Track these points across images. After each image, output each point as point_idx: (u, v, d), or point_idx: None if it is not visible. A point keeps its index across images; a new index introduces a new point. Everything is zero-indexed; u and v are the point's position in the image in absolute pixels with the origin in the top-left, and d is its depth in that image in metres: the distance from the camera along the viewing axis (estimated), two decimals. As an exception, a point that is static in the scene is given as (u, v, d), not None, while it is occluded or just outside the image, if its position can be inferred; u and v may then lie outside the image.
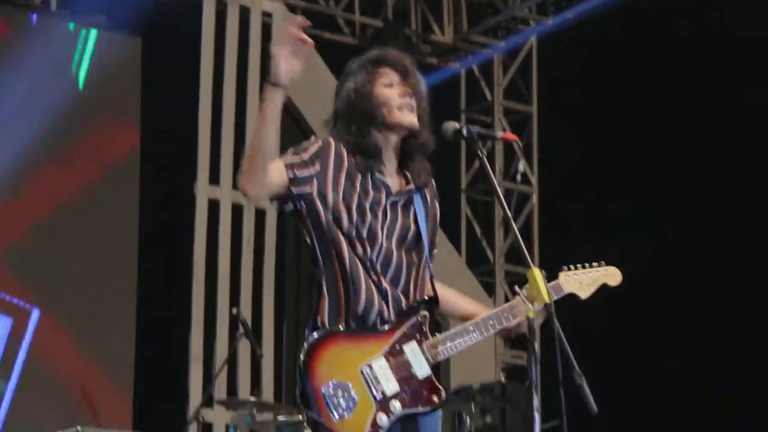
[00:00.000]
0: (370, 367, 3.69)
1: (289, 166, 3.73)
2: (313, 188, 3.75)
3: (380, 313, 3.75)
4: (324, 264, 3.80)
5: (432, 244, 3.92)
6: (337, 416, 3.60)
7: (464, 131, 3.77)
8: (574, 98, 9.84)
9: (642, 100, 9.52)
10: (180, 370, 8.73)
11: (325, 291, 3.77)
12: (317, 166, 3.76)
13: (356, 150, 3.83)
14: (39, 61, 8.49)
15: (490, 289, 10.33)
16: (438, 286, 3.91)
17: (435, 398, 3.74)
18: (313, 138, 3.87)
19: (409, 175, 3.90)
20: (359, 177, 3.81)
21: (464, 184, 10.51)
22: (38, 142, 8.36)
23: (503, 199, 3.62)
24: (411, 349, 3.74)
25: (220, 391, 8.50)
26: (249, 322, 8.25)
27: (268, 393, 8.87)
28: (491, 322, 3.80)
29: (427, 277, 3.89)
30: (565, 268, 4.03)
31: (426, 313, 3.79)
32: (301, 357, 3.65)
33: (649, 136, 9.48)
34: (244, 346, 8.43)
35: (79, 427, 5.67)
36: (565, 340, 3.42)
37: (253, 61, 9.34)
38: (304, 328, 9.67)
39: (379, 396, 3.67)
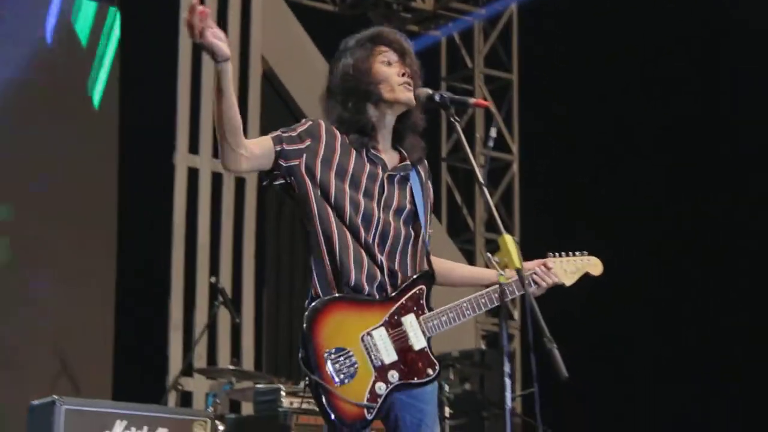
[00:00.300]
0: (371, 335, 3.74)
1: (277, 140, 3.78)
2: (301, 163, 3.77)
3: (376, 284, 3.78)
4: (316, 239, 3.80)
5: (428, 222, 3.94)
6: (338, 381, 3.66)
7: (437, 97, 3.79)
8: (555, 65, 9.81)
9: (624, 67, 9.47)
10: (160, 339, 8.71)
11: (318, 265, 3.80)
12: (308, 142, 3.79)
13: (351, 127, 3.84)
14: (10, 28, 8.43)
15: (470, 257, 10.34)
16: (435, 260, 3.95)
17: (430, 371, 3.78)
18: (303, 120, 3.89)
19: (403, 151, 3.93)
20: (353, 153, 3.82)
21: (444, 152, 10.48)
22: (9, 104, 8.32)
23: (477, 168, 3.60)
24: (409, 321, 3.78)
25: (199, 360, 8.50)
26: (228, 291, 8.25)
27: (248, 362, 8.88)
28: (483, 300, 3.83)
29: (424, 252, 3.91)
30: (550, 254, 4.07)
31: (423, 286, 3.83)
32: (304, 323, 3.70)
33: (631, 104, 9.44)
34: (223, 315, 8.41)
35: (56, 396, 5.63)
36: (536, 306, 3.42)
37: (233, 29, 9.28)
38: (284, 297, 9.71)
39: (378, 364, 3.73)
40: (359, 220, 3.78)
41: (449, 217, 10.54)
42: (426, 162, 4.02)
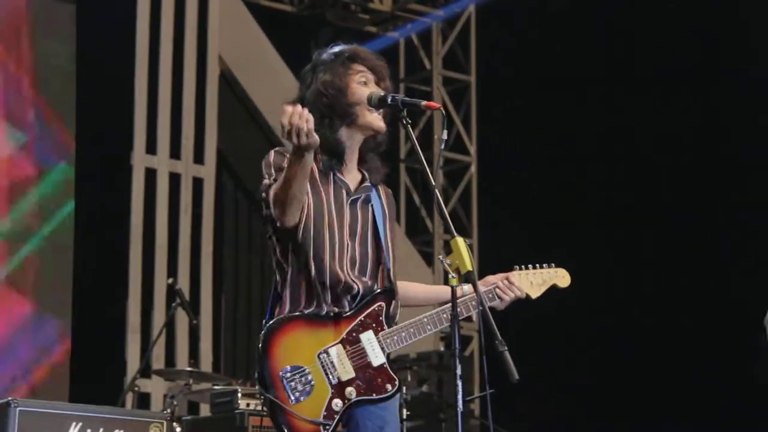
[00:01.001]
0: (327, 353, 3.77)
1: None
2: None
3: (337, 304, 3.81)
4: (284, 258, 3.84)
5: (389, 240, 3.96)
6: (293, 399, 3.69)
7: (389, 99, 3.81)
8: (514, 68, 9.85)
9: (583, 69, 9.51)
10: (118, 340, 8.67)
11: (283, 283, 3.83)
12: None
13: (322, 147, 3.82)
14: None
15: (429, 259, 10.36)
16: (399, 282, 3.98)
17: (389, 386, 3.80)
18: (272, 155, 3.87)
19: (366, 172, 3.96)
20: (320, 180, 3.86)
21: (403, 154, 10.51)
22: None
23: (428, 170, 3.61)
24: (367, 338, 3.81)
25: (157, 361, 8.47)
26: (187, 292, 8.22)
27: (206, 363, 8.85)
28: (445, 315, 3.85)
29: (386, 271, 3.93)
30: (517, 267, 4.07)
31: (383, 303, 3.85)
32: (260, 341, 3.73)
33: (590, 106, 9.47)
34: (181, 317, 8.40)
35: (10, 398, 5.59)
36: (488, 308, 3.45)
37: (190, 29, 9.26)
38: (243, 298, 9.66)
39: (334, 381, 3.74)
40: (326, 242, 3.82)
41: (408, 219, 10.56)
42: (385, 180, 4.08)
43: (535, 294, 4.08)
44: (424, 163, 3.66)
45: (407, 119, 3.74)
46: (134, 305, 8.76)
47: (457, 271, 3.47)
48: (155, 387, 8.51)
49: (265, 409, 3.79)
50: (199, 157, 9.18)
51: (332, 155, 3.89)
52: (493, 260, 10.08)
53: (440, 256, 3.52)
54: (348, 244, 3.86)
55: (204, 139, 9.22)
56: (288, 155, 3.72)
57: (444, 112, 3.66)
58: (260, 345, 3.73)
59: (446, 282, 3.53)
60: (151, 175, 9.01)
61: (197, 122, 9.21)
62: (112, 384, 8.50)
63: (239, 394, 6.12)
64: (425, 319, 3.87)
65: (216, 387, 6.85)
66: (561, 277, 4.14)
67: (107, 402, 6.75)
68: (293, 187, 3.65)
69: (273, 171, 3.84)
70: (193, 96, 9.21)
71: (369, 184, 3.95)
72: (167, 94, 9.12)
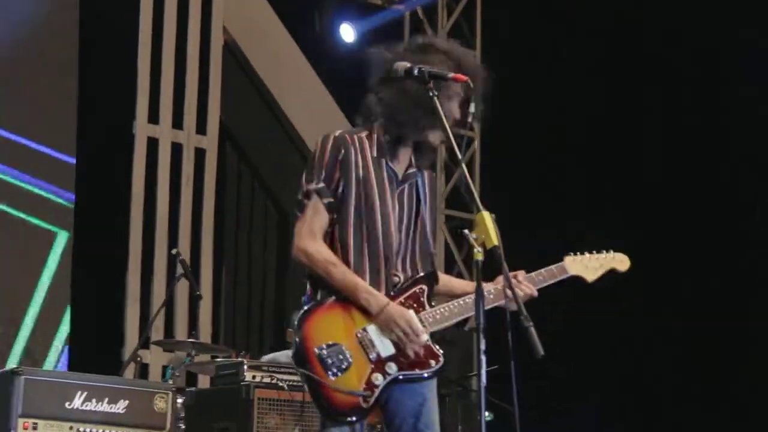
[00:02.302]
0: (365, 330, 3.82)
1: (327, 206, 3.89)
2: (341, 193, 3.90)
3: (378, 289, 3.86)
4: (333, 240, 3.90)
5: (432, 225, 4.04)
6: (331, 374, 3.73)
7: (415, 71, 3.77)
8: (518, 43, 9.78)
9: (590, 47, 9.46)
10: (116, 311, 8.62)
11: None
12: (341, 178, 3.88)
13: (388, 135, 3.92)
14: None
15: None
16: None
17: (432, 362, 3.85)
18: (330, 143, 3.90)
19: (413, 158, 4.00)
20: (372, 167, 3.91)
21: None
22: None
23: (454, 142, 3.60)
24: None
25: (156, 332, 8.42)
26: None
27: (205, 335, 8.80)
28: (490, 296, 3.85)
29: (426, 255, 3.99)
30: (572, 253, 4.14)
31: (424, 286, 3.91)
32: (297, 320, 3.80)
33: (596, 85, 9.43)
34: (181, 288, 8.36)
35: (17, 367, 5.57)
36: (513, 283, 3.42)
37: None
38: (243, 271, 9.60)
39: (374, 357, 3.79)
40: (372, 227, 3.89)
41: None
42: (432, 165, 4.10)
43: (591, 277, 4.15)
44: (451, 137, 3.64)
45: (434, 91, 3.72)
46: (134, 275, 8.70)
47: (483, 245, 3.44)
48: (153, 358, 8.46)
49: (304, 386, 3.83)
50: (201, 128, 9.11)
51: (395, 145, 3.94)
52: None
53: (465, 231, 3.49)
54: (394, 235, 3.91)
55: (207, 109, 9.14)
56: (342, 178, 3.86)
57: (472, 84, 3.62)
58: (296, 323, 3.80)
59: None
60: (152, 144, 8.94)
61: (200, 92, 9.13)
62: (111, 354, 8.46)
63: (245, 366, 6.07)
64: (468, 299, 3.90)
65: (219, 359, 6.81)
66: (620, 261, 4.21)
67: (104, 372, 6.70)
68: (331, 284, 3.81)
69: (323, 172, 3.88)
70: (196, 66, 9.12)
71: (415, 170, 4.00)
72: (170, 64, 9.03)
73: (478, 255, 3.45)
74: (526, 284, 3.96)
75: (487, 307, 3.81)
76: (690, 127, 9.06)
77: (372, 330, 3.81)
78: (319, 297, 3.86)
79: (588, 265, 4.14)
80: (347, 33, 9.72)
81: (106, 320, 8.64)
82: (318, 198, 3.87)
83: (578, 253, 4.15)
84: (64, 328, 8.32)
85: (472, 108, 3.65)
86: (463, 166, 3.54)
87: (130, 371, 7.77)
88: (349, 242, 3.87)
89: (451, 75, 3.74)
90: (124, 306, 8.63)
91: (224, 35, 9.36)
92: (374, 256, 3.87)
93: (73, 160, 8.51)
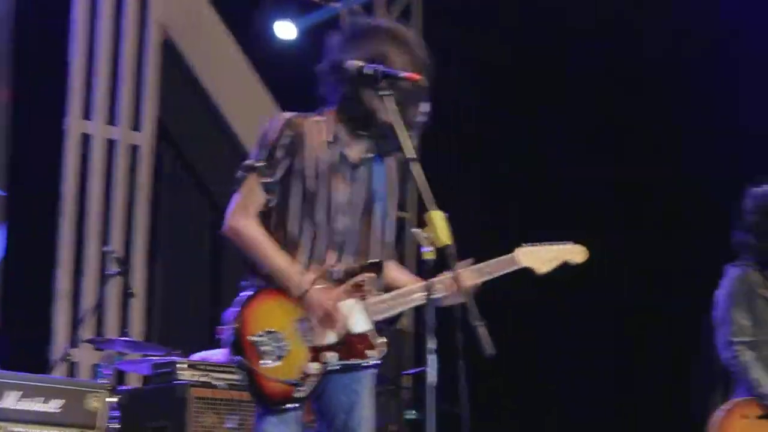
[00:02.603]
0: (306, 319, 3.75)
1: (264, 186, 3.81)
2: (284, 175, 3.82)
3: (322, 277, 3.81)
4: (275, 225, 3.83)
5: (387, 213, 3.97)
6: (266, 362, 3.67)
7: (367, 69, 3.74)
8: (458, 42, 9.78)
9: (533, 48, 9.49)
10: (46, 308, 8.49)
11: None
12: (286, 161, 3.81)
13: (342, 119, 3.86)
14: None
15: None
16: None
17: (371, 352, 3.80)
18: (276, 125, 3.83)
19: (371, 142, 3.93)
20: (323, 152, 3.84)
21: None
22: None
23: (407, 143, 3.57)
24: (349, 306, 3.78)
25: (87, 330, 8.30)
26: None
27: (138, 333, 8.71)
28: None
29: (377, 244, 3.93)
30: (523, 244, 4.05)
31: (370, 274, 3.85)
32: (234, 307, 3.74)
33: (537, 84, 9.46)
34: (112, 286, 8.24)
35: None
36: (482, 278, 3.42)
37: (129, -6, 9.08)
38: (178, 269, 9.49)
39: (312, 345, 3.73)
40: (318, 211, 3.81)
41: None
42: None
43: (543, 269, 4.04)
44: (405, 134, 3.62)
45: (386, 90, 3.69)
46: (64, 273, 8.57)
47: (433, 244, 3.42)
48: (83, 356, 8.34)
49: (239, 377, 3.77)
50: (136, 125, 9.01)
51: (350, 129, 3.88)
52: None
53: (414, 229, 3.47)
54: (340, 222, 3.85)
55: (142, 105, 9.04)
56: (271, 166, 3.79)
57: (424, 83, 3.61)
58: (233, 310, 3.73)
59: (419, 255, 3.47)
60: (86, 140, 8.81)
61: (136, 88, 9.02)
62: (39, 353, 8.33)
63: (180, 365, 6.00)
64: (413, 293, 3.86)
65: (154, 357, 6.74)
66: (576, 253, 4.10)
67: (33, 371, 6.60)
68: (256, 261, 3.76)
69: (266, 151, 3.81)
70: (132, 62, 9.02)
71: (372, 156, 3.93)
72: (106, 59, 8.93)
73: (429, 254, 3.43)
74: (470, 278, 3.85)
75: (412, 306, 3.88)
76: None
77: (312, 319, 3.75)
78: (256, 282, 3.80)
79: (541, 256, 4.05)
80: (286, 30, 9.67)
81: (35, 318, 8.50)
82: (256, 176, 3.79)
83: (530, 244, 4.07)
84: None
85: (422, 108, 3.60)
86: (416, 164, 3.51)
87: (59, 370, 7.66)
88: (289, 226, 3.80)
89: (404, 74, 3.70)
90: (54, 303, 8.49)
91: (162, 31, 9.26)
92: (316, 243, 3.81)
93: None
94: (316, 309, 3.71)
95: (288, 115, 3.87)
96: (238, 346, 3.69)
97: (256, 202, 3.79)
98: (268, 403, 3.70)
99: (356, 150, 3.90)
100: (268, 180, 3.79)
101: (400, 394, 7.94)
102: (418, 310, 3.57)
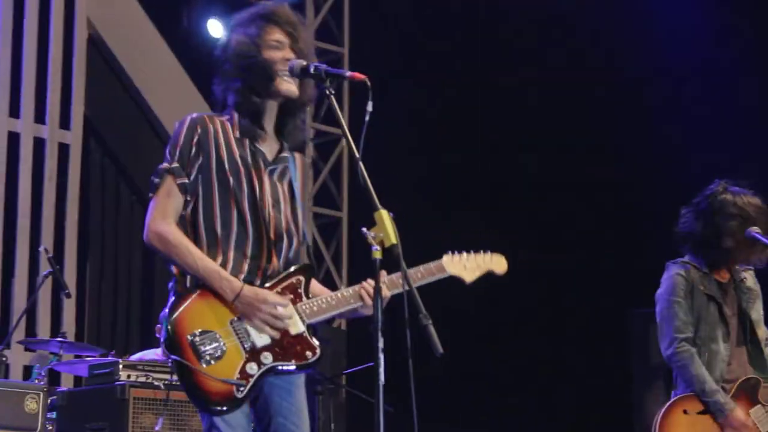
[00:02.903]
0: (240, 319, 3.70)
1: (181, 187, 3.75)
2: (200, 174, 3.77)
3: (253, 274, 3.76)
4: (194, 226, 3.78)
5: (303, 213, 3.95)
6: (203, 362, 3.60)
7: (311, 69, 3.77)
8: (386, 40, 9.82)
9: (458, 40, 9.53)
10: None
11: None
12: (198, 160, 3.77)
13: (242, 112, 3.82)
14: None
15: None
16: None
17: (309, 353, 3.75)
18: (186, 123, 3.79)
19: (283, 139, 3.90)
20: (236, 148, 3.80)
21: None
22: None
23: (351, 140, 3.58)
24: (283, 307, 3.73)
25: (18, 331, 8.20)
26: (49, 260, 7.96)
27: (69, 333, 8.62)
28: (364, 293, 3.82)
29: (304, 245, 3.92)
30: (450, 252, 4.06)
31: (302, 277, 3.81)
32: (169, 307, 3.67)
33: (463, 79, 9.51)
34: (45, 285, 8.14)
35: None
36: (412, 282, 3.43)
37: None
38: (109, 268, 9.38)
39: (248, 346, 3.67)
40: (245, 213, 3.77)
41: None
42: (306, 144, 4.03)
43: (469, 278, 4.09)
44: (348, 135, 3.62)
45: (331, 90, 3.70)
46: (-6, 273, 8.47)
47: (381, 244, 3.43)
48: (14, 357, 8.24)
49: (174, 376, 3.73)
50: (65, 123, 8.91)
51: (253, 120, 3.83)
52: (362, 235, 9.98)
53: (363, 229, 3.46)
54: (271, 215, 3.81)
55: (71, 103, 8.94)
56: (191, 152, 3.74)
57: (369, 82, 3.61)
58: (167, 310, 3.67)
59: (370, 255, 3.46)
60: (14, 139, 8.70)
61: (64, 86, 8.92)
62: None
63: (120, 366, 5.96)
64: (346, 293, 3.84)
65: (89, 358, 6.69)
66: (497, 263, 4.16)
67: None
68: (184, 266, 3.71)
69: (177, 153, 3.76)
70: (60, 58, 8.92)
71: (287, 155, 3.90)
72: (32, 56, 8.82)
73: (377, 254, 3.43)
74: (386, 286, 3.80)
75: (346, 309, 3.82)
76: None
77: (246, 319, 3.68)
78: (187, 283, 3.72)
79: (466, 266, 4.08)
80: (215, 28, 9.63)
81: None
82: (172, 178, 3.73)
83: (456, 252, 4.08)
84: None
85: (369, 107, 3.59)
86: (361, 164, 3.52)
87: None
88: (215, 225, 3.75)
89: (348, 74, 3.71)
90: (-17, 305, 8.39)
91: (88, 27, 9.17)
92: (247, 241, 3.76)
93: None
94: (253, 307, 3.66)
95: (194, 114, 3.84)
96: (175, 345, 3.60)
97: (174, 206, 3.74)
98: (207, 403, 3.62)
99: (269, 145, 3.88)
100: (185, 181, 3.73)
101: (340, 393, 7.95)
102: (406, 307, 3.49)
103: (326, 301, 3.80)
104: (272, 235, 3.79)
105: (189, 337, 3.61)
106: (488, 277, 4.11)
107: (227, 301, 3.69)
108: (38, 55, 8.83)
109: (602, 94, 8.98)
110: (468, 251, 4.13)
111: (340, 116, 3.70)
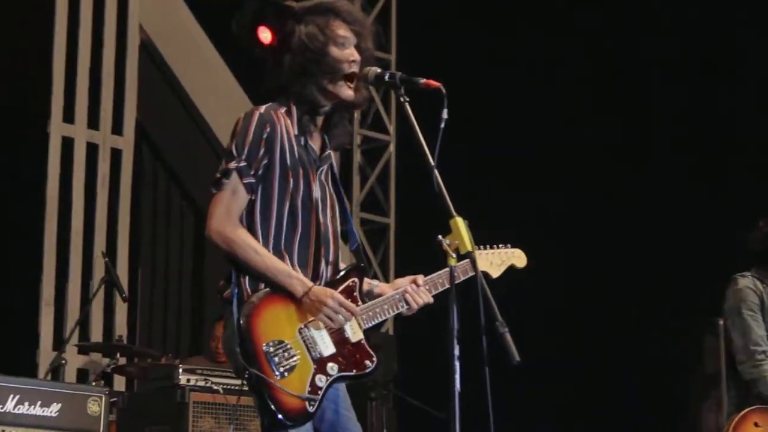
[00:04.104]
0: (308, 327, 3.67)
1: (247, 186, 3.70)
2: (264, 173, 3.72)
3: (313, 278, 3.73)
4: (251, 224, 3.73)
5: (350, 213, 4.00)
6: (278, 374, 3.57)
7: (386, 76, 3.76)
8: (435, 46, 9.82)
9: (512, 46, 9.51)
10: (31, 314, 8.46)
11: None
12: (265, 159, 3.71)
13: (300, 106, 3.78)
14: None
15: (345, 236, 10.28)
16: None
17: (368, 362, 3.73)
18: (255, 118, 3.72)
19: (326, 137, 3.87)
20: (296, 146, 3.75)
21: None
22: None
23: (426, 149, 3.58)
24: None
25: (73, 335, 8.29)
26: (102, 266, 8.04)
27: (123, 337, 8.70)
28: (440, 281, 3.83)
29: (356, 246, 3.92)
30: (476, 247, 4.05)
31: (356, 279, 3.79)
32: (242, 316, 3.61)
33: (516, 83, 9.48)
34: (99, 289, 8.23)
35: None
36: (487, 288, 3.43)
37: (111, -2, 9.07)
38: (160, 274, 9.44)
39: (317, 356, 3.64)
40: (308, 216, 3.75)
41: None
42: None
43: (495, 273, 4.10)
44: (422, 142, 3.61)
45: (405, 97, 3.69)
46: (48, 278, 8.54)
47: (456, 251, 3.45)
48: (72, 360, 8.32)
49: (245, 385, 3.64)
50: (117, 128, 9.00)
51: (311, 116, 3.80)
52: (409, 241, 10.02)
53: (439, 237, 3.47)
54: (322, 216, 3.79)
55: (123, 109, 9.03)
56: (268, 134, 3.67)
57: (444, 90, 3.62)
58: (242, 320, 3.60)
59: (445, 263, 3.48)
60: (68, 144, 8.80)
61: (116, 92, 9.02)
62: (25, 357, 8.31)
63: (180, 370, 6.02)
64: (397, 296, 3.82)
65: (151, 361, 6.78)
66: (518, 258, 4.18)
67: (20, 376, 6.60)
68: (252, 270, 3.66)
69: (246, 151, 3.69)
70: (112, 64, 9.01)
71: (329, 153, 3.87)
72: (86, 62, 8.91)
73: (452, 260, 3.45)
74: (424, 292, 3.83)
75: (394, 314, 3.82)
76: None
77: (314, 327, 3.65)
78: (247, 284, 3.66)
79: (492, 261, 4.10)
80: (265, 34, 9.68)
81: (19, 324, 8.47)
82: (238, 177, 3.67)
83: (481, 246, 4.09)
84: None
85: (445, 114, 3.58)
86: (436, 171, 3.53)
87: (47, 374, 7.64)
88: (272, 226, 3.70)
89: (423, 81, 3.70)
90: (39, 308, 8.47)
91: (140, 34, 9.26)
92: (303, 244, 3.73)
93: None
94: (321, 302, 3.62)
95: (261, 108, 3.74)
96: (251, 356, 3.55)
97: (239, 205, 3.69)
98: (285, 419, 3.55)
99: (316, 142, 3.84)
100: (251, 180, 3.69)
101: (390, 399, 7.98)
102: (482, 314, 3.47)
103: (380, 306, 3.79)
104: (323, 237, 3.77)
105: (264, 347, 3.57)
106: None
107: (294, 306, 3.65)
108: (92, 61, 8.92)
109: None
110: (491, 245, 4.15)
111: (415, 124, 3.62)
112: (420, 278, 3.88)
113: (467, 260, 3.63)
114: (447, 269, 3.62)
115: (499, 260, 4.12)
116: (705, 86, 8.79)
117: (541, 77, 9.50)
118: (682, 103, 8.95)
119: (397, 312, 3.84)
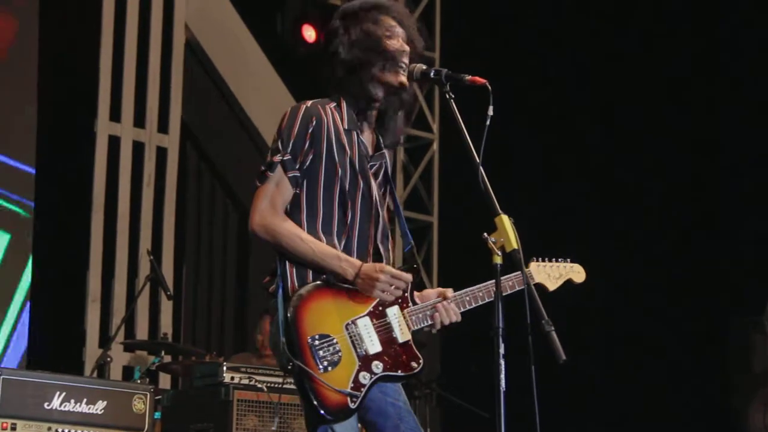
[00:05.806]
0: (355, 324, 3.67)
1: (292, 180, 3.69)
2: (310, 167, 3.71)
3: None
4: (305, 223, 3.72)
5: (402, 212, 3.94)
6: (321, 368, 3.57)
7: (432, 73, 3.77)
8: (478, 44, 9.80)
9: (550, 43, 9.48)
10: (77, 311, 8.52)
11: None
12: (310, 153, 3.70)
13: (353, 102, 3.79)
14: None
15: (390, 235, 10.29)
16: None
17: (414, 364, 3.72)
18: (301, 112, 3.72)
19: (380, 134, 3.87)
20: (346, 140, 3.75)
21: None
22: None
23: (472, 147, 3.57)
24: (393, 313, 3.72)
25: (119, 333, 8.34)
26: (147, 263, 8.08)
27: (168, 335, 8.74)
28: (467, 299, 3.80)
29: (409, 246, 3.87)
30: (535, 258, 4.06)
31: (410, 279, 3.76)
32: (289, 308, 3.60)
33: (562, 82, 9.46)
34: (144, 287, 8.27)
35: (-6, 367, 5.51)
36: (533, 287, 3.42)
37: (157, -4, 9.12)
38: (204, 272, 9.48)
39: (362, 353, 3.64)
40: (353, 211, 3.74)
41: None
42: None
43: (552, 286, 4.09)
44: (468, 140, 3.61)
45: (450, 93, 3.69)
46: (95, 274, 8.60)
47: (502, 249, 3.44)
48: (117, 357, 8.36)
49: (287, 380, 3.72)
50: (163, 127, 9.05)
51: (364, 110, 3.81)
52: (452, 240, 9.98)
53: (485, 234, 3.46)
54: (379, 214, 3.79)
55: (168, 108, 9.08)
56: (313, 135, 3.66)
57: (489, 86, 3.61)
58: (289, 312, 3.59)
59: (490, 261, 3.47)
60: (114, 142, 8.86)
61: (162, 91, 9.07)
62: (71, 354, 8.37)
63: (224, 368, 6.03)
64: (428, 311, 3.79)
65: (194, 359, 6.80)
66: (577, 273, 4.16)
67: (66, 371, 6.64)
68: (299, 258, 3.65)
69: (291, 144, 3.69)
70: (158, 63, 9.06)
71: (384, 151, 3.87)
72: (132, 61, 8.96)
73: (497, 258, 3.44)
74: (454, 310, 3.78)
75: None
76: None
77: (361, 324, 3.64)
78: (294, 276, 3.66)
79: (550, 274, 4.08)
80: (309, 33, 9.71)
81: (66, 321, 8.54)
82: (282, 171, 3.66)
83: (540, 259, 4.08)
84: (5, 329, 8.19)
85: (491, 111, 3.57)
86: (481, 169, 3.51)
87: (92, 371, 7.69)
88: (319, 221, 3.70)
89: (468, 78, 3.70)
90: (85, 306, 8.53)
91: (186, 33, 9.31)
92: (351, 240, 3.73)
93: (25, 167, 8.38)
94: (372, 278, 3.61)
95: (308, 103, 3.74)
96: (296, 348, 3.56)
97: (283, 198, 3.66)
98: (325, 412, 3.55)
99: (369, 139, 3.84)
100: (296, 174, 3.67)
101: (433, 398, 7.97)
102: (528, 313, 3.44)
103: (429, 310, 3.77)
104: (370, 233, 3.77)
105: (309, 341, 3.57)
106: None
107: (343, 301, 3.65)
108: (138, 60, 8.98)
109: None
110: (550, 259, 4.13)
111: (461, 121, 3.63)
112: (449, 292, 3.83)
113: (518, 273, 3.66)
114: (491, 282, 3.73)
115: (557, 273, 4.11)
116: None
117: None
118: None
119: (419, 327, 3.79)
